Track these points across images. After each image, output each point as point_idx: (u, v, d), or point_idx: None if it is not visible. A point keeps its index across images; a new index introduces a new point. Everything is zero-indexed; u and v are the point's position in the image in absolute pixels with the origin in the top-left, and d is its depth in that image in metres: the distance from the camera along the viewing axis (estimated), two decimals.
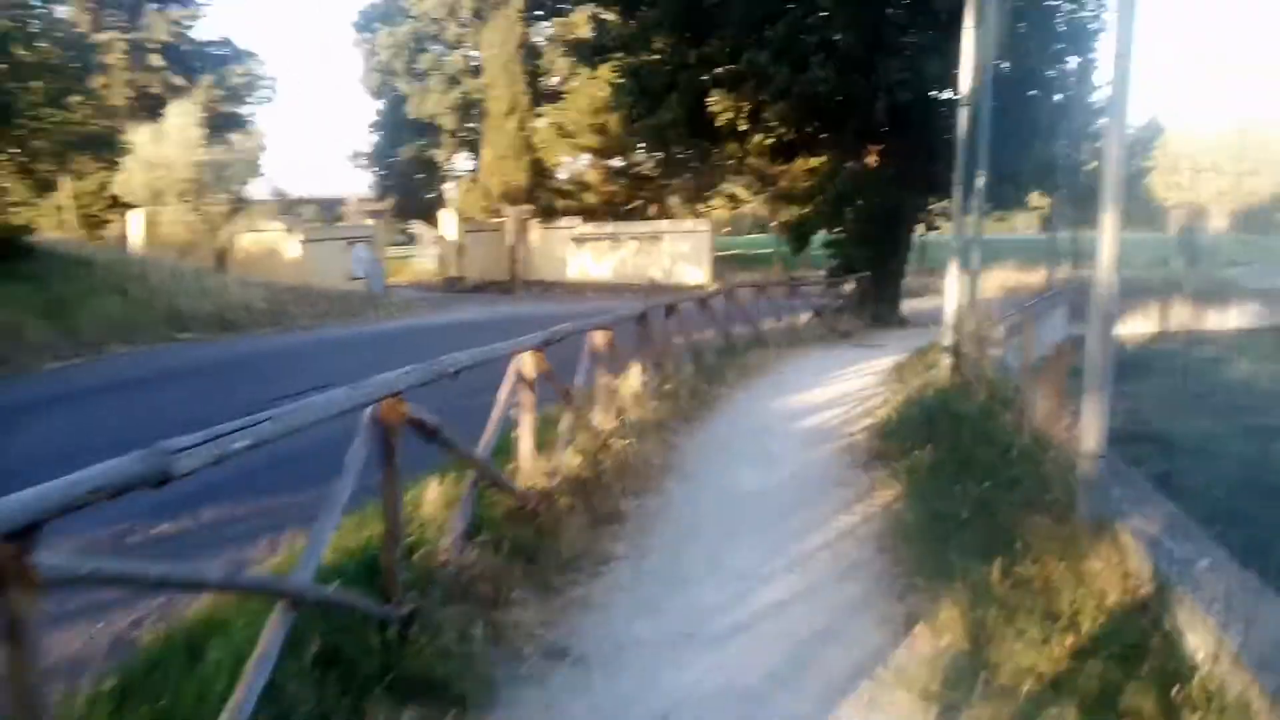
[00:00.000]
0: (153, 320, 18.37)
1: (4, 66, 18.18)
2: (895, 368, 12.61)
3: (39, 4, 18.05)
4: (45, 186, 19.70)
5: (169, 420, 10.32)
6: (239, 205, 28.64)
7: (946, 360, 9.70)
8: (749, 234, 75.82)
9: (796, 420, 9.40)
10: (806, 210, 20.01)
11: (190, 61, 33.25)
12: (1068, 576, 4.05)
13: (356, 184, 52.95)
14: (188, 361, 15.16)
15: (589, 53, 20.09)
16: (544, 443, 6.24)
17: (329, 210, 53.51)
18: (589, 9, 21.72)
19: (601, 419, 7.27)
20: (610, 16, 20.15)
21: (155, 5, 32.56)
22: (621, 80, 20.06)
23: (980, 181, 10.56)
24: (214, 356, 15.90)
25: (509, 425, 5.76)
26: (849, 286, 20.52)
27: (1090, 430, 4.47)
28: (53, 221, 32.06)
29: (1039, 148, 20.59)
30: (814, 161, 20.91)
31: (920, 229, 21.47)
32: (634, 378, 8.97)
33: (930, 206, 20.72)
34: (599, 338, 7.49)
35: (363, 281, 31.69)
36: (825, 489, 6.59)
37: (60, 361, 14.85)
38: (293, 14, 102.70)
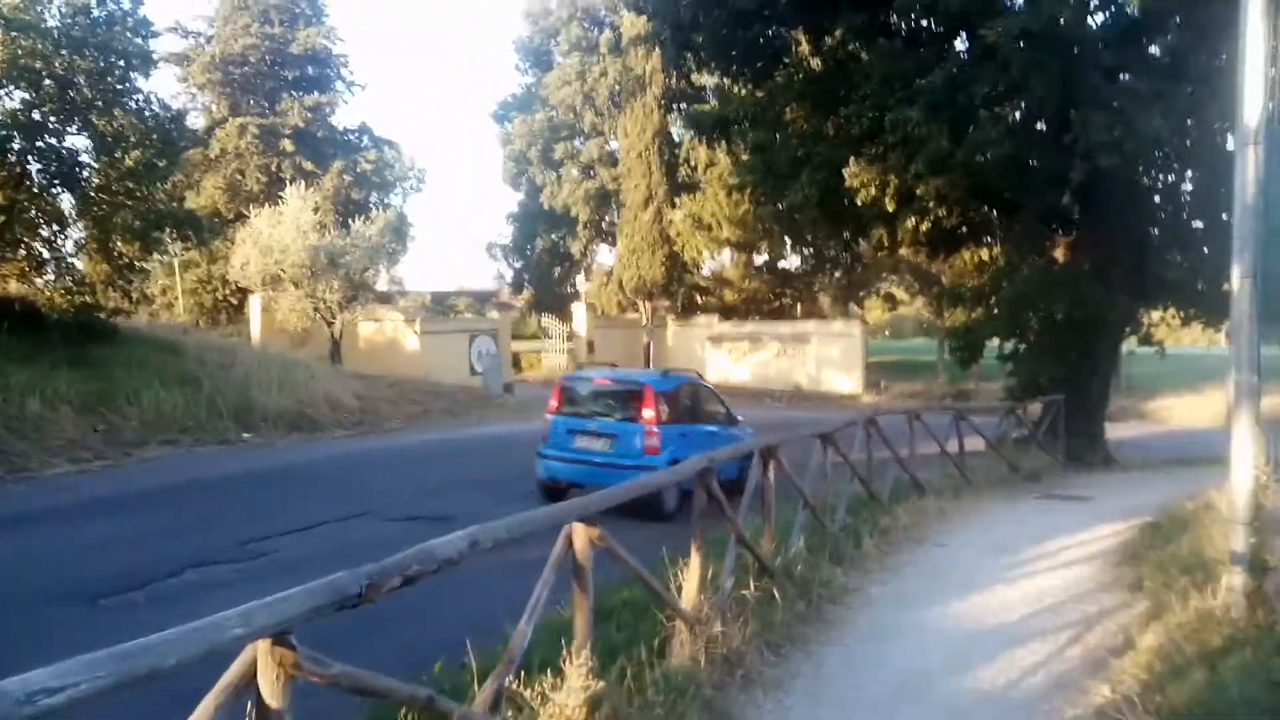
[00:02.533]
0: (217, 417, 16.42)
1: (85, 138, 17.20)
2: (1122, 551, 8.45)
3: (126, 75, 16.71)
4: (128, 267, 18.34)
5: (86, 573, 7.87)
6: (356, 293, 27.34)
7: (1238, 579, 5.65)
8: (911, 338, 70.74)
9: (969, 668, 5.55)
10: (977, 314, 16.00)
11: (323, 148, 33.10)
12: None
13: (497, 277, 52.47)
14: (213, 472, 12.80)
15: (710, 127, 17.23)
16: None
17: (483, 303, 53.25)
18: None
19: None
20: (736, 88, 17.28)
21: (292, 93, 32.78)
22: (746, 158, 17.03)
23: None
24: (253, 466, 13.53)
25: None
26: (1035, 409, 16.22)
27: None
28: (184, 305, 32.15)
29: None
30: (984, 254, 16.98)
31: (1133, 340, 16.87)
32: (691, 579, 5.49)
33: (1142, 313, 16.29)
34: (579, 540, 4.12)
35: (481, 377, 29.72)
36: None
37: (74, 465, 12.82)
38: (443, 109, 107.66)
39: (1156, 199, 15.26)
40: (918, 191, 13.85)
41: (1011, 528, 10.13)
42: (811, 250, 37.93)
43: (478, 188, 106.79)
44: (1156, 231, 15.89)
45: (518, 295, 44.90)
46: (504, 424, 22.51)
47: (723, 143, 18.13)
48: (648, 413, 10.64)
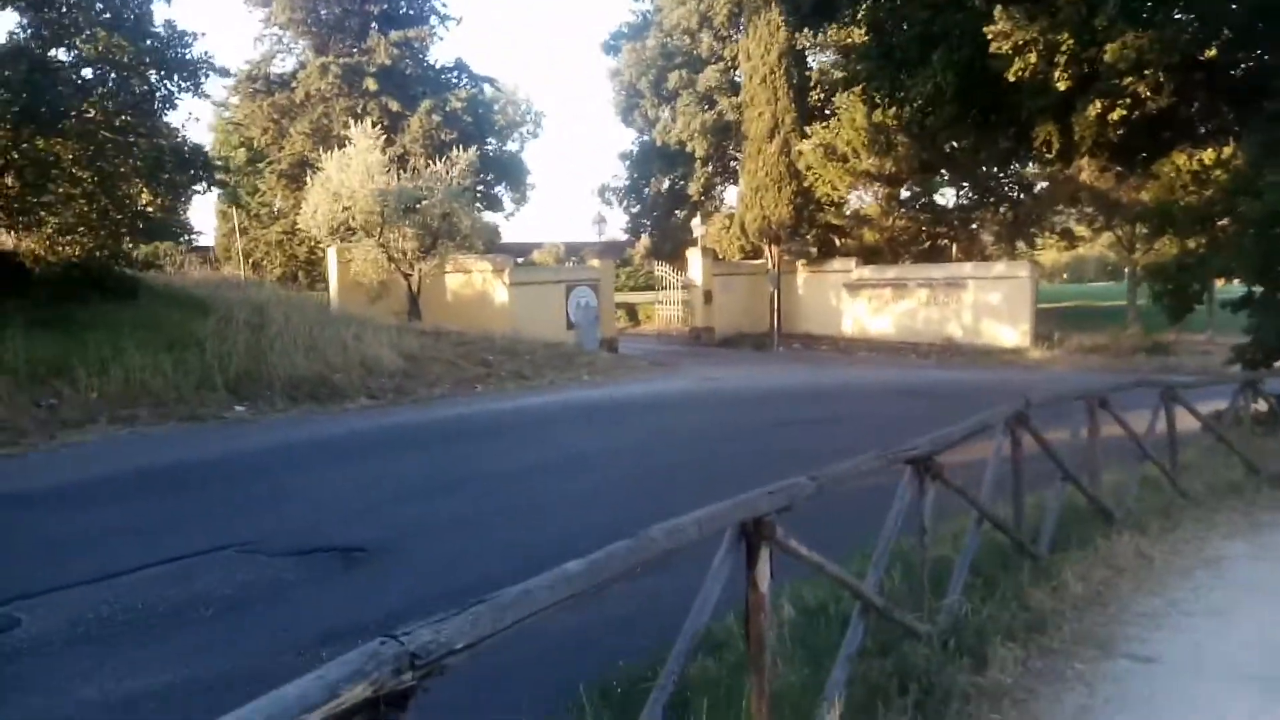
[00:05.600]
0: (209, 387, 13.88)
1: (82, 65, 14.81)
2: None
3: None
4: (140, 214, 16.08)
5: None
6: (435, 241, 24.57)
7: None
8: (1095, 281, 62.60)
9: None
10: (1199, 243, 11.01)
11: (413, 87, 30.38)
12: None
13: (597, 220, 48.86)
14: (130, 464, 10.00)
15: (811, 7, 12.83)
16: None
17: (616, 253, 50.21)
18: None
19: None
20: None
21: (380, 28, 30.11)
22: (862, 41, 12.57)
23: None
24: (194, 454, 10.72)
25: None
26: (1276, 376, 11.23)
27: None
28: (272, 259, 30.69)
29: None
30: (1206, 158, 11.82)
31: None
32: None
33: None
34: None
35: (574, 333, 26.57)
36: None
37: None
38: (556, 48, 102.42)
39: None
40: (1105, 58, 9.12)
41: (1273, 597, 5.74)
42: (966, 182, 32.32)
43: (597, 132, 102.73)
44: None
45: (636, 241, 41.42)
46: (580, 388, 19.23)
47: (830, 26, 13.74)
48: None
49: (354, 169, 23.43)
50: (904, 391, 18.83)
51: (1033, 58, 9.20)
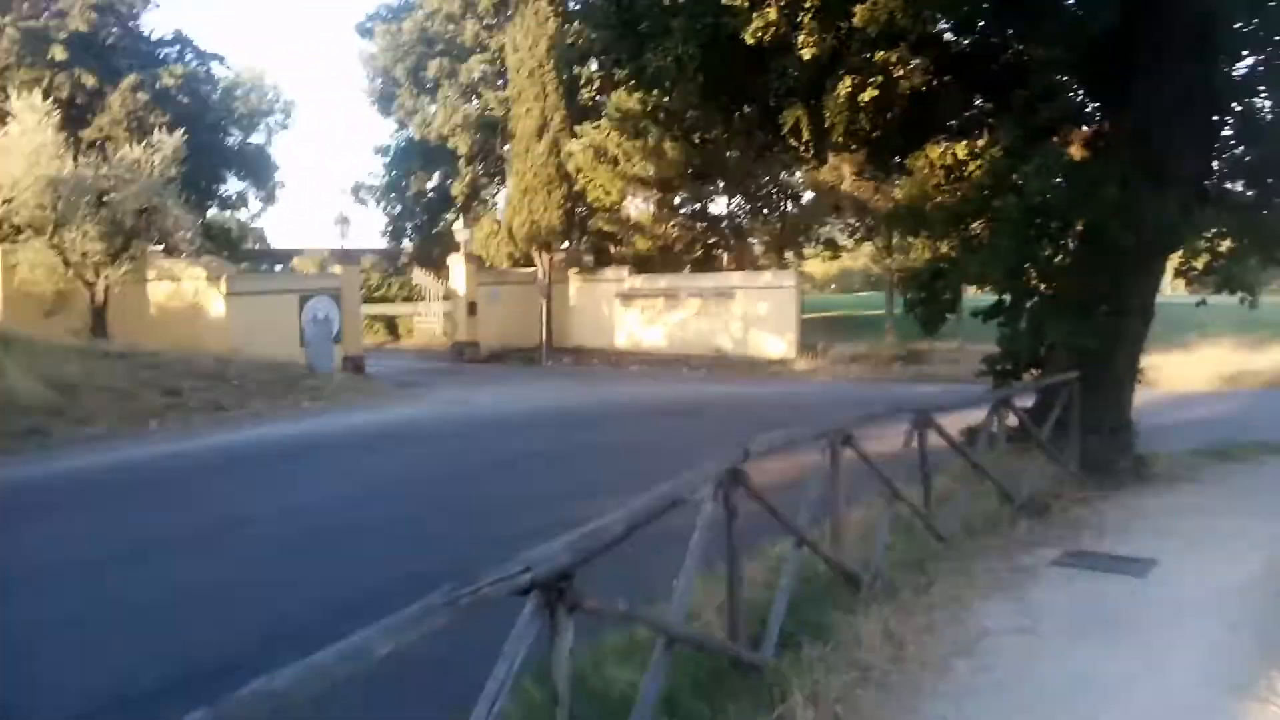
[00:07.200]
0: None
1: None
2: None
3: None
4: None
5: None
6: (128, 244, 20.58)
7: None
8: (861, 291, 65.52)
9: None
10: (951, 246, 10.09)
11: (116, 60, 25.87)
12: None
13: (339, 220, 45.04)
14: None
15: None
16: None
17: (390, 261, 46.14)
18: None
19: None
20: None
21: None
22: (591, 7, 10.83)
23: None
24: None
25: None
26: (1025, 390, 10.49)
27: None
28: None
29: None
30: (959, 151, 10.99)
31: (1178, 283, 11.04)
32: None
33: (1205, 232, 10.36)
34: None
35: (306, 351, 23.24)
36: None
37: None
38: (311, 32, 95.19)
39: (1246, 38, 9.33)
40: (854, 22, 7.77)
41: (1045, 701, 4.26)
42: (739, 192, 31.93)
43: (359, 127, 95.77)
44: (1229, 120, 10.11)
45: (399, 247, 38.25)
46: (292, 420, 16.27)
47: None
48: None
49: (16, 153, 19.10)
50: (668, 411, 17.44)
51: (772, 13, 7.74)
